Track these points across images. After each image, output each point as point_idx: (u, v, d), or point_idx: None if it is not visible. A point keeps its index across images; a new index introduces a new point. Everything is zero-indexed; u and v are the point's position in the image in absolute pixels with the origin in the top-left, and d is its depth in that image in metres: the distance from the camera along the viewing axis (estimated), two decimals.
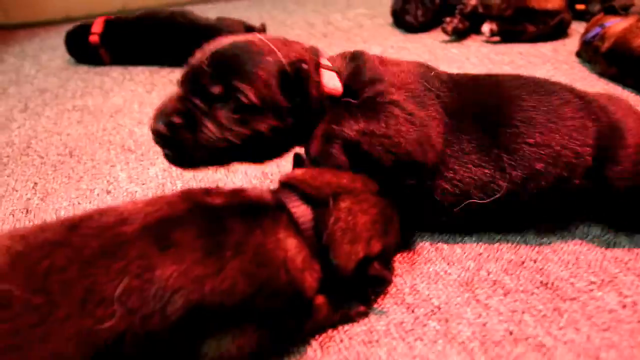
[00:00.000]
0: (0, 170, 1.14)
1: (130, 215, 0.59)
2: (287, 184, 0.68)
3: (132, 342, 0.53)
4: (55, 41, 2.08)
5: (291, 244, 0.60)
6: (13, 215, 0.97)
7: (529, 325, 0.66)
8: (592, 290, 0.71)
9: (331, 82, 0.75)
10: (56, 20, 2.42)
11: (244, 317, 0.58)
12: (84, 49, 1.76)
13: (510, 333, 0.65)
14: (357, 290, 0.69)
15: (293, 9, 2.35)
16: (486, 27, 1.68)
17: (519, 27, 1.66)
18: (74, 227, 0.57)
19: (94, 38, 1.72)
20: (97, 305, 0.53)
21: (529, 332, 0.65)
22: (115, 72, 1.70)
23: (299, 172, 0.69)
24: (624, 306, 0.68)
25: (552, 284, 0.72)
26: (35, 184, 1.07)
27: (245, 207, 0.61)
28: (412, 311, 0.69)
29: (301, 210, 0.63)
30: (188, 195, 0.62)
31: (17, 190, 1.05)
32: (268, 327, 0.60)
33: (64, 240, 0.56)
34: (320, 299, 0.65)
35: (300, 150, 0.79)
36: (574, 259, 0.76)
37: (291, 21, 2.15)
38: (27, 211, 0.98)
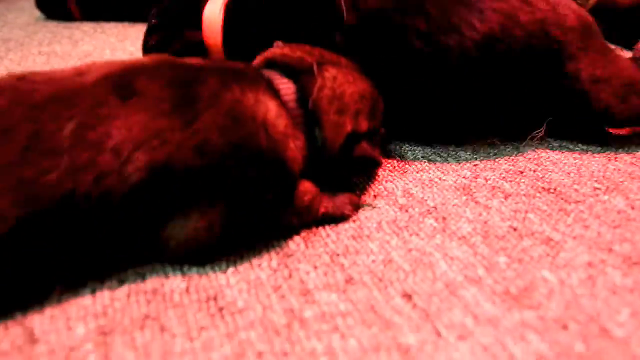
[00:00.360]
0: None
1: (90, 69, 0.51)
2: (264, 63, 0.61)
3: (81, 207, 0.45)
4: (24, 3, 1.98)
5: (272, 106, 0.52)
6: None
7: (534, 222, 0.60)
8: (597, 194, 0.65)
9: None
10: None
11: (215, 188, 0.50)
12: (54, 4, 1.67)
13: (515, 229, 0.59)
14: (343, 179, 0.63)
15: None
16: None
17: None
18: (23, 77, 0.50)
19: None
20: (42, 156, 0.45)
21: (534, 228, 0.59)
22: (87, 26, 1.61)
23: (276, 50, 0.62)
24: (633, 207, 0.62)
25: (555, 189, 0.67)
26: None
27: (222, 69, 0.54)
28: (406, 210, 0.62)
29: (284, 83, 0.57)
30: (159, 57, 0.55)
31: None
32: (242, 204, 0.52)
33: (10, 86, 0.48)
34: (305, 184, 0.57)
35: None
36: (575, 170, 0.71)
37: None
38: None
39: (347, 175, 0.65)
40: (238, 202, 0.51)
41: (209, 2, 0.80)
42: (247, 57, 0.63)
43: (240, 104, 0.50)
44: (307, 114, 0.56)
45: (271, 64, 0.60)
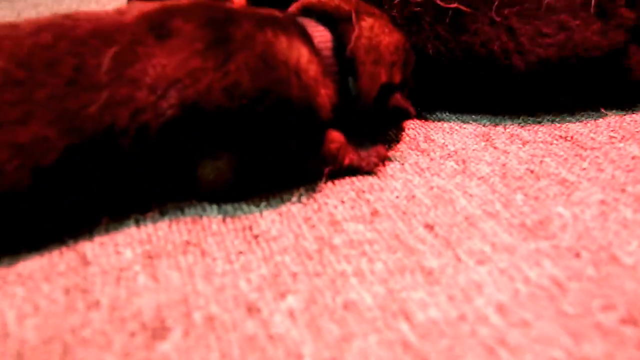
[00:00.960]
0: None
1: (130, 9, 0.54)
2: (301, 10, 0.62)
3: (120, 141, 0.49)
4: None
5: (305, 52, 0.54)
6: None
7: (551, 166, 0.63)
8: (613, 142, 0.67)
9: None
10: None
11: (243, 131, 0.53)
12: None
13: (532, 172, 0.61)
14: (373, 130, 0.65)
15: None
16: None
17: None
18: (68, 16, 0.53)
19: None
20: (84, 89, 0.48)
21: (550, 170, 0.62)
22: None
23: None
24: None
25: (572, 137, 0.69)
26: None
27: (257, 13, 0.56)
28: (428, 154, 0.65)
29: (319, 30, 0.58)
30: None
31: None
32: (270, 149, 0.55)
33: (54, 22, 0.51)
34: (333, 134, 0.60)
35: None
36: (593, 120, 0.73)
37: None
38: None
39: (378, 126, 0.67)
40: (266, 146, 0.54)
41: None
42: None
43: (273, 46, 0.52)
44: (341, 63, 0.58)
45: (308, 11, 0.61)
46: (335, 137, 0.59)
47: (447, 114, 0.75)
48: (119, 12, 0.53)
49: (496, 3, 0.68)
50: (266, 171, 0.57)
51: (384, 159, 0.63)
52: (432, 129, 0.71)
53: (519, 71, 0.69)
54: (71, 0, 1.52)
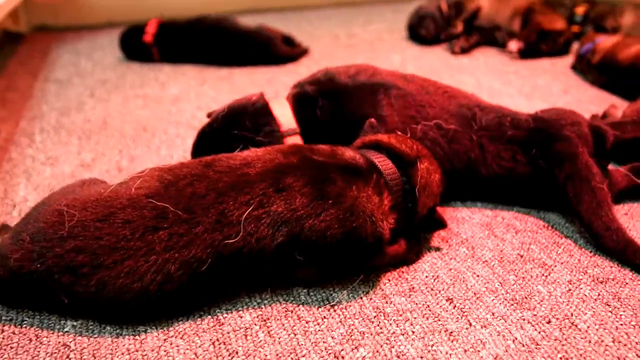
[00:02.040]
0: (86, 140, 1.35)
1: (252, 160, 0.76)
2: (374, 145, 0.85)
3: (247, 256, 0.72)
4: (102, 41, 2.30)
5: (377, 200, 0.76)
6: (108, 172, 1.18)
7: (535, 251, 0.87)
8: (582, 232, 0.92)
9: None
10: (99, 25, 2.65)
11: (329, 255, 0.75)
12: (137, 47, 1.98)
13: (521, 256, 0.86)
14: (417, 232, 0.89)
15: (318, 24, 2.59)
16: (513, 45, 1.92)
17: (536, 45, 1.90)
18: (208, 165, 0.77)
19: (147, 37, 1.94)
20: (226, 226, 0.71)
21: (535, 255, 0.86)
22: (166, 68, 1.92)
23: (382, 136, 0.86)
24: None
25: (552, 227, 0.94)
26: (120, 150, 1.28)
27: (343, 166, 0.77)
28: (447, 241, 0.90)
29: (391, 170, 0.80)
30: (297, 149, 0.80)
31: (105, 155, 1.26)
32: (345, 264, 0.79)
33: (202, 174, 0.75)
34: (398, 244, 0.83)
35: None
36: (568, 213, 0.98)
37: (318, 33, 2.39)
38: (119, 169, 1.19)
39: (424, 230, 0.91)
40: (342, 263, 0.79)
41: (274, 104, 1.02)
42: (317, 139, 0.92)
43: (356, 200, 0.74)
44: (405, 193, 0.80)
45: (378, 146, 0.84)
46: (395, 247, 0.83)
47: (459, 204, 1.01)
48: (246, 163, 0.76)
49: (475, 127, 0.96)
50: (340, 274, 0.81)
51: (419, 254, 0.87)
52: (449, 219, 0.96)
53: (483, 175, 0.97)
54: (133, 78, 1.81)
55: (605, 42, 1.60)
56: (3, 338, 0.73)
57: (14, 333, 0.73)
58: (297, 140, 1.00)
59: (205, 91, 1.67)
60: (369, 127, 0.91)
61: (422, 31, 2.13)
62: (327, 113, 1.01)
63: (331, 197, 0.73)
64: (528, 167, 0.95)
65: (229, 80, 1.77)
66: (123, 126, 1.42)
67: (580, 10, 2.01)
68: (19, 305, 0.77)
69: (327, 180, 0.74)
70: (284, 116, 1.01)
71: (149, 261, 0.69)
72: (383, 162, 0.81)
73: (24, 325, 0.75)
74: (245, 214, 0.72)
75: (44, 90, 1.73)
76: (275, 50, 1.91)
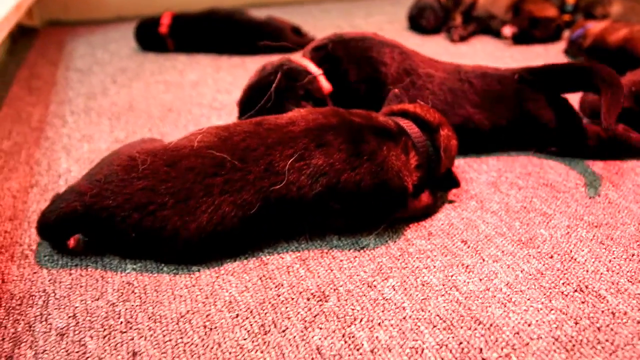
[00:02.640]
0: (116, 120, 1.44)
1: (297, 119, 0.87)
2: (401, 113, 0.96)
3: (289, 202, 0.83)
4: (114, 34, 2.40)
5: (404, 159, 0.87)
6: None
7: (536, 203, 0.98)
8: (577, 187, 1.03)
9: None
10: (109, 19, 2.74)
11: (360, 205, 0.85)
12: (153, 38, 2.08)
13: (525, 207, 0.97)
14: (434, 190, 1.00)
15: (320, 17, 2.69)
16: (507, 30, 2.04)
17: (528, 32, 2.02)
18: (259, 123, 0.87)
19: (162, 29, 2.04)
20: (273, 174, 0.82)
21: (536, 207, 0.97)
22: (182, 57, 2.02)
23: (409, 105, 0.97)
24: (599, 195, 1.00)
25: (551, 184, 1.05)
26: (150, 129, 1.38)
27: (377, 128, 0.88)
28: (458, 197, 1.01)
29: (417, 134, 0.91)
30: (337, 112, 0.90)
31: (136, 133, 1.36)
32: (376, 213, 0.88)
33: (253, 131, 0.86)
34: (422, 196, 0.93)
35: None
36: (565, 172, 1.09)
37: (321, 25, 2.49)
38: None
39: (441, 188, 1.02)
40: (369, 213, 0.88)
41: (300, 61, 1.20)
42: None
43: (386, 158, 0.85)
44: (428, 155, 0.91)
45: (405, 114, 0.95)
46: (422, 198, 0.93)
47: (467, 167, 1.12)
48: (291, 121, 0.86)
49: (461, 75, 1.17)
50: (372, 223, 0.91)
51: (435, 209, 0.97)
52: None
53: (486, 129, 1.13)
54: (151, 67, 1.90)
55: (595, 27, 1.72)
56: (72, 279, 0.82)
57: (81, 275, 0.83)
58: (323, 80, 1.18)
59: (222, 77, 1.77)
60: (394, 96, 1.02)
61: (423, 21, 2.24)
62: (337, 51, 1.20)
63: (365, 154, 0.84)
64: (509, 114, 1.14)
65: (243, 67, 1.87)
66: (149, 108, 1.52)
67: (570, 0, 2.14)
68: (89, 236, 0.85)
69: (362, 140, 0.85)
70: (310, 66, 1.19)
71: (207, 202, 0.80)
72: (410, 127, 0.92)
73: (89, 269, 0.84)
74: (287, 165, 0.82)
75: (67, 78, 1.82)
76: (285, 39, 2.01)
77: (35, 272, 0.84)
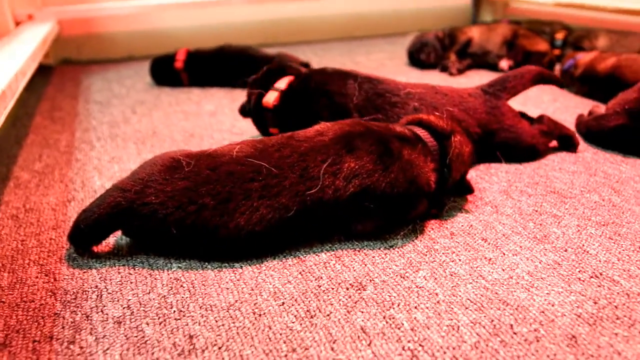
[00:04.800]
0: (142, 144, 1.52)
1: (325, 130, 0.95)
2: (416, 122, 1.04)
3: (324, 204, 0.90)
4: (128, 71, 2.51)
5: (423, 159, 0.95)
6: None
7: (546, 207, 1.06)
8: (582, 193, 1.12)
9: None
10: (121, 59, 2.86)
11: (392, 206, 0.93)
12: (168, 73, 2.19)
13: (536, 211, 1.05)
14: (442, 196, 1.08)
15: (323, 54, 2.84)
16: (504, 63, 2.20)
17: (523, 64, 2.15)
18: (290, 137, 0.95)
19: (178, 64, 2.15)
20: (308, 180, 0.90)
21: (547, 210, 1.05)
22: (196, 90, 2.12)
23: (423, 115, 1.06)
24: (603, 200, 1.09)
25: (558, 191, 1.13)
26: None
27: (396, 135, 0.96)
28: (474, 203, 1.09)
29: (431, 141, 0.99)
30: (359, 122, 0.98)
31: None
32: (403, 212, 0.97)
33: (286, 142, 0.94)
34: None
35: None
36: (570, 181, 1.18)
37: (324, 62, 2.63)
38: None
39: (456, 194, 1.10)
40: (405, 209, 0.96)
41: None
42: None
43: (410, 158, 0.93)
44: (442, 161, 0.99)
45: (420, 123, 1.03)
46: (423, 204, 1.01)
47: (478, 178, 1.20)
48: (319, 132, 0.95)
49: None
50: (396, 224, 0.99)
51: (442, 211, 1.05)
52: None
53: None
54: (168, 99, 2.00)
55: (584, 57, 1.86)
56: (122, 277, 0.88)
57: (129, 273, 0.89)
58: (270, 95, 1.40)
59: (234, 107, 1.87)
60: (413, 110, 1.12)
61: (422, 56, 2.38)
62: (302, 84, 1.38)
63: (394, 154, 0.92)
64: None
65: None
66: (172, 134, 1.61)
67: (559, 35, 2.29)
68: (130, 232, 0.93)
69: (388, 142, 0.93)
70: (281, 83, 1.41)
71: (245, 205, 0.87)
72: (425, 135, 1.00)
73: (137, 268, 0.90)
74: (322, 170, 0.90)
75: (88, 109, 1.91)
76: None
77: (85, 272, 0.90)
